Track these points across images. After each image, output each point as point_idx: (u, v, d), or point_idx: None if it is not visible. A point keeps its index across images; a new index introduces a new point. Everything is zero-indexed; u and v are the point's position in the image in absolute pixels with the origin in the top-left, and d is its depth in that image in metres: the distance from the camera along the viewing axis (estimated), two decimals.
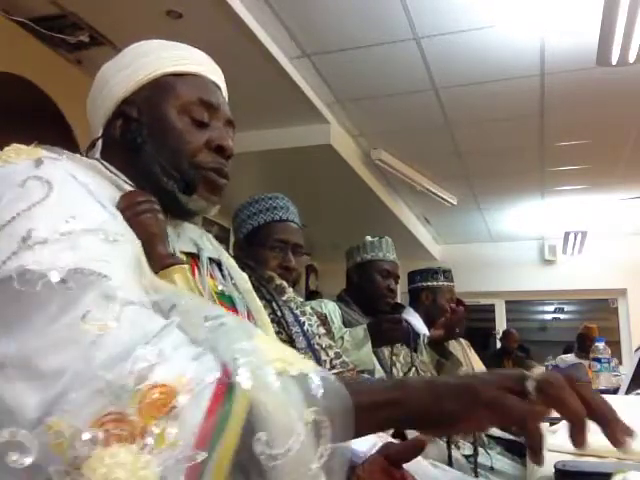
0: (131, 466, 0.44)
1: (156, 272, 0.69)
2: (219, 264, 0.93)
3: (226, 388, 0.49)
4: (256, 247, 1.58)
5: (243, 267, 1.03)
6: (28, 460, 0.46)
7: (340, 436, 0.50)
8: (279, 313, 1.33)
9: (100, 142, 0.88)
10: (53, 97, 2.78)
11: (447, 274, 2.94)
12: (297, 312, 1.37)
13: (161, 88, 0.86)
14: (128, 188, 0.80)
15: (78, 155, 0.81)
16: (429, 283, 2.91)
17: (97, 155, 0.87)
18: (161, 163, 0.83)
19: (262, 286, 1.37)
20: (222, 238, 4.82)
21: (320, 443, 0.49)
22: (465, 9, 2.67)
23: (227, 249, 1.07)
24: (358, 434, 0.56)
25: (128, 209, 0.73)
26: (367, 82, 3.36)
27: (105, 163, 0.82)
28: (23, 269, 0.54)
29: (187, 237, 0.87)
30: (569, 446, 0.95)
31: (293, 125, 3.71)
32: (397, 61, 3.12)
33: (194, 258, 0.86)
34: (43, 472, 0.46)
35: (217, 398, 0.48)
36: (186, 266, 0.74)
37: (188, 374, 0.49)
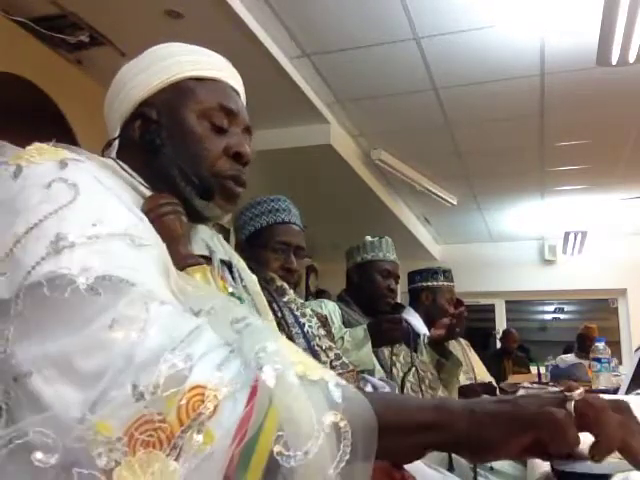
0: (160, 474, 0.45)
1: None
2: (229, 266, 0.93)
3: (258, 392, 0.49)
4: (258, 249, 1.58)
5: None
6: (53, 460, 0.46)
7: (361, 449, 0.49)
8: (279, 314, 1.33)
9: (117, 143, 0.87)
10: (53, 97, 2.78)
11: (447, 274, 2.94)
12: (297, 313, 1.37)
13: (181, 92, 0.85)
14: (143, 189, 0.81)
15: (94, 155, 0.80)
16: (429, 283, 2.91)
17: (113, 155, 0.87)
18: (180, 167, 0.83)
19: (263, 287, 1.36)
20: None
21: (339, 448, 0.48)
22: (465, 9, 2.67)
23: None
24: (396, 455, 0.55)
25: (152, 211, 0.74)
26: (367, 82, 3.36)
27: (121, 163, 0.82)
28: (52, 275, 0.54)
29: (199, 239, 0.88)
30: None
31: (293, 125, 3.71)
32: (397, 61, 3.12)
33: (206, 260, 0.86)
34: (64, 474, 0.46)
35: (251, 401, 0.48)
36: (207, 267, 0.75)
37: (221, 379, 0.49)
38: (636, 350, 1.93)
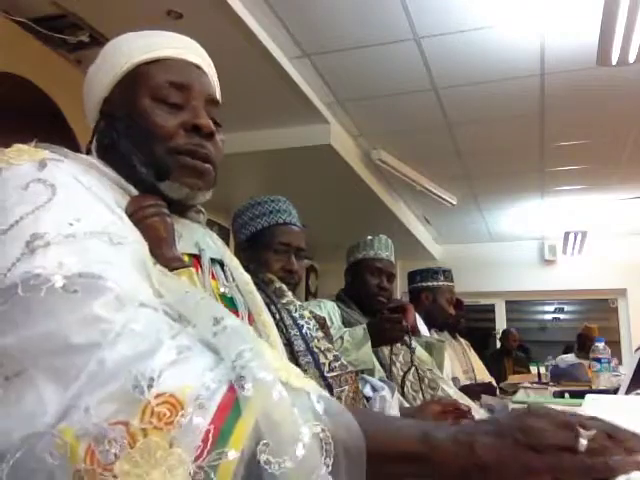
0: None
1: None
2: (222, 264, 0.92)
3: (234, 399, 0.48)
4: (258, 250, 1.57)
5: None
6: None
7: (345, 467, 0.47)
8: (277, 316, 1.32)
9: (94, 145, 0.87)
10: (53, 97, 2.78)
11: (447, 274, 2.94)
12: (296, 315, 1.37)
13: (133, 80, 0.84)
14: (129, 187, 0.80)
15: (80, 154, 0.81)
16: (429, 283, 2.91)
17: (94, 157, 0.87)
18: (137, 153, 0.81)
19: (261, 289, 1.37)
20: (222, 238, 4.81)
21: (321, 461, 0.47)
22: (465, 9, 2.67)
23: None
24: None
25: (136, 212, 0.74)
26: (367, 82, 3.36)
27: (104, 163, 0.83)
28: (27, 275, 0.53)
29: (189, 237, 0.86)
30: None
31: (293, 125, 3.71)
32: (397, 61, 3.12)
33: (197, 259, 0.85)
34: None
35: (223, 410, 0.47)
36: (193, 269, 0.74)
37: (195, 384, 0.48)
38: (636, 350, 1.93)
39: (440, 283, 2.90)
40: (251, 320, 0.91)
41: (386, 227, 3.81)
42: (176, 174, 0.81)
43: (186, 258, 0.82)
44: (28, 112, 2.64)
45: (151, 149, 0.81)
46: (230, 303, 0.87)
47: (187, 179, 0.82)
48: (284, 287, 1.45)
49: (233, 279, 0.92)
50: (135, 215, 0.73)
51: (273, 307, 1.34)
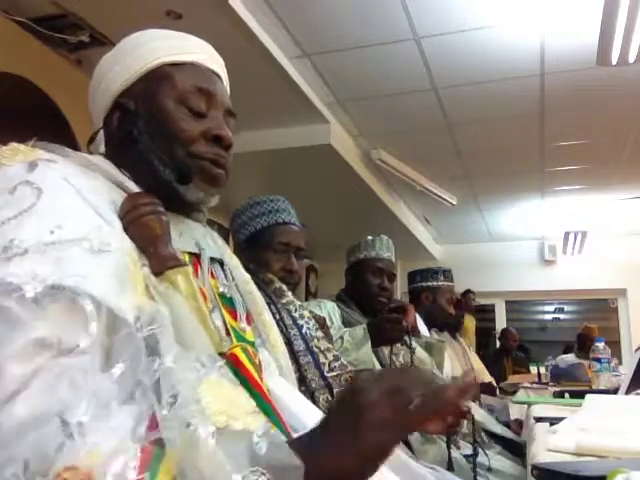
0: None
1: (159, 274, 0.69)
2: (222, 263, 0.92)
3: (152, 454, 0.47)
4: (258, 249, 1.57)
5: None
6: None
7: None
8: (277, 316, 1.32)
9: (102, 136, 0.87)
10: (53, 97, 2.78)
11: (447, 274, 2.94)
12: (295, 315, 1.37)
13: (157, 78, 0.84)
14: (130, 185, 0.80)
15: (81, 153, 0.80)
16: (429, 283, 2.91)
17: (100, 150, 0.86)
18: (157, 152, 0.81)
19: (261, 289, 1.37)
20: (222, 238, 4.82)
21: None
22: (465, 9, 2.67)
23: None
24: None
25: (131, 211, 0.72)
26: (367, 82, 3.36)
27: (106, 160, 0.82)
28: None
29: (189, 236, 0.85)
30: (569, 446, 0.96)
31: (293, 125, 3.71)
32: (397, 61, 3.12)
33: (196, 257, 0.85)
34: None
35: (141, 469, 0.46)
36: (189, 268, 0.73)
37: (106, 451, 0.46)
38: (636, 350, 1.93)
39: (440, 283, 2.90)
40: (249, 320, 0.91)
41: (386, 227, 3.81)
42: (197, 179, 0.82)
43: (186, 257, 0.81)
44: (28, 112, 2.64)
45: (172, 151, 0.81)
46: (229, 303, 0.87)
47: (205, 185, 0.83)
48: (284, 287, 1.45)
49: (233, 278, 0.92)
50: (130, 213, 0.72)
51: (273, 307, 1.34)
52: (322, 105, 3.59)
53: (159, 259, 0.70)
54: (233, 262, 0.95)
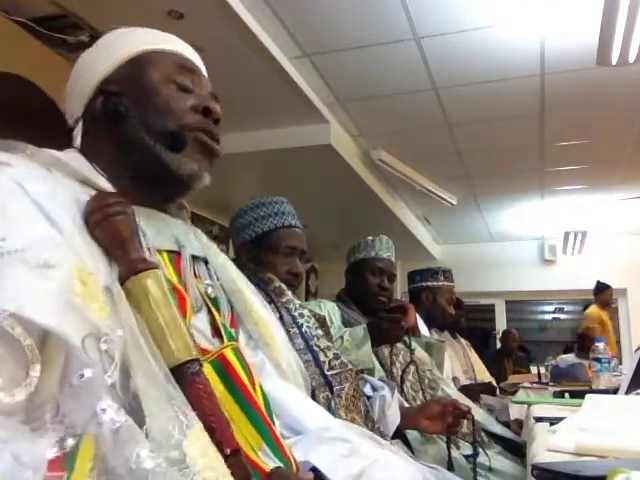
0: None
1: (127, 277, 0.66)
2: (206, 262, 0.89)
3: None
4: (264, 251, 1.58)
5: (241, 268, 1.02)
6: None
7: None
8: (277, 315, 1.33)
9: (80, 129, 0.85)
10: (53, 97, 2.78)
11: (447, 274, 2.95)
12: (295, 314, 1.37)
13: (140, 63, 0.85)
14: (101, 182, 0.76)
15: (48, 150, 0.76)
16: (429, 283, 2.92)
17: (78, 140, 0.84)
18: (146, 125, 0.80)
19: (261, 288, 1.37)
20: (222, 238, 4.81)
21: None
22: (465, 9, 2.67)
23: (227, 249, 1.05)
24: None
25: (97, 212, 0.69)
26: (367, 82, 3.36)
27: (78, 155, 0.79)
28: None
29: (167, 233, 0.82)
30: (569, 446, 0.96)
31: (293, 125, 3.71)
32: (397, 61, 3.12)
33: (178, 255, 0.82)
34: None
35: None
36: (159, 271, 0.69)
37: None
38: (636, 350, 1.93)
39: (440, 283, 2.90)
40: (233, 322, 0.89)
41: (386, 227, 3.81)
42: (189, 148, 0.81)
43: (164, 255, 0.79)
44: (28, 112, 2.64)
45: (164, 123, 0.80)
46: (213, 303, 0.85)
47: (198, 155, 0.82)
48: (283, 286, 1.45)
49: (217, 278, 0.90)
50: (96, 213, 0.68)
51: (273, 306, 1.34)
52: (322, 105, 3.59)
53: (127, 263, 0.67)
54: (218, 260, 0.93)
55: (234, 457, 0.60)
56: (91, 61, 0.88)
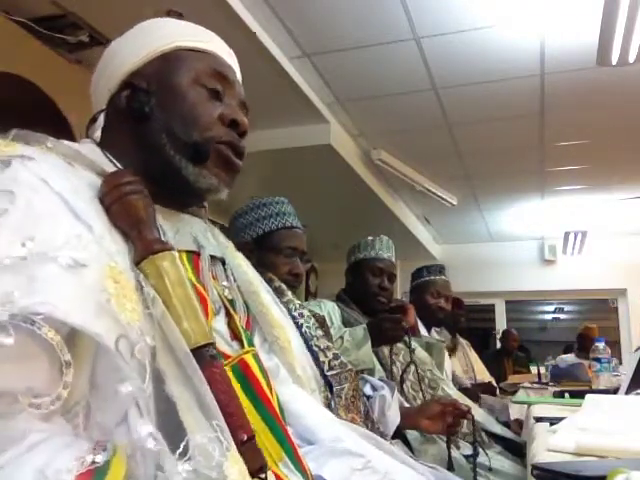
0: None
1: (143, 259, 0.64)
2: (223, 262, 0.87)
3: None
4: (265, 252, 1.58)
5: None
6: None
7: None
8: None
9: (102, 120, 0.82)
10: (53, 97, 2.78)
11: (431, 269, 2.93)
12: (295, 314, 1.37)
13: (172, 60, 0.80)
14: None
15: (67, 142, 0.74)
16: (415, 282, 2.94)
17: (98, 132, 0.81)
18: (170, 132, 0.76)
19: None
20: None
21: None
22: (465, 9, 2.67)
23: None
24: None
25: (111, 192, 0.66)
26: (367, 82, 3.36)
27: (95, 147, 0.77)
28: None
29: (187, 232, 0.80)
30: (569, 446, 0.96)
31: (293, 125, 3.71)
32: (397, 61, 3.12)
33: (197, 256, 0.80)
34: None
35: None
36: (175, 253, 0.66)
37: None
38: (636, 350, 1.93)
39: (424, 279, 2.88)
40: (248, 324, 0.87)
41: (386, 227, 3.81)
42: (210, 162, 0.78)
43: (184, 256, 0.77)
44: (28, 112, 2.63)
45: (188, 132, 0.77)
46: (231, 304, 0.83)
47: (219, 170, 0.79)
48: (283, 286, 1.46)
49: (234, 279, 0.88)
50: (110, 194, 0.66)
51: None
52: (322, 105, 3.59)
53: (144, 243, 0.65)
54: (236, 261, 0.91)
55: (250, 443, 0.60)
56: (121, 50, 0.84)
